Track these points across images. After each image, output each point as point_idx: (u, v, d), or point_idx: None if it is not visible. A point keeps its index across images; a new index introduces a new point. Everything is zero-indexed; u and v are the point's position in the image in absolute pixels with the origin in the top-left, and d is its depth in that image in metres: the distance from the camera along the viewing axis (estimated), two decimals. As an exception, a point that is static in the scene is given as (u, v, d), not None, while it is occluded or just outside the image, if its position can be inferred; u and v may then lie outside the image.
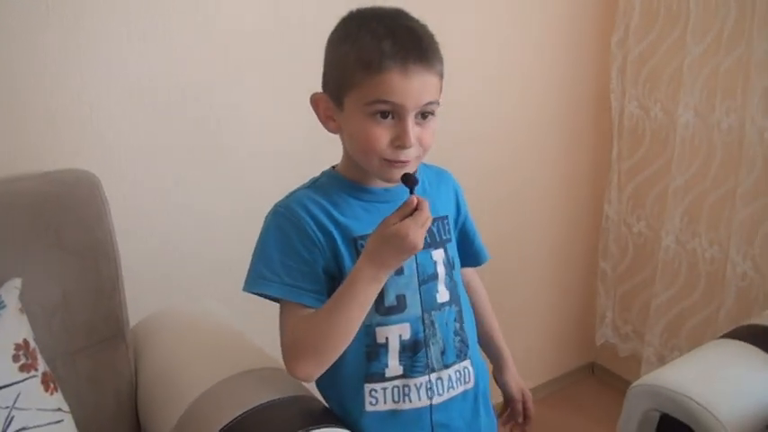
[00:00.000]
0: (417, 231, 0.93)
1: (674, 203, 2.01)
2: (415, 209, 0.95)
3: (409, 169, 1.00)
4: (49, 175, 1.21)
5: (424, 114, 0.98)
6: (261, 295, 1.02)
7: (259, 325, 1.15)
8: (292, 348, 1.00)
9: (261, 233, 1.03)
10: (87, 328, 1.19)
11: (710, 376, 1.20)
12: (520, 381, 1.29)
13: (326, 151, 1.11)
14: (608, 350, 2.40)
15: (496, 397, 1.27)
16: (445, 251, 1.11)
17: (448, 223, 1.13)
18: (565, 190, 2.25)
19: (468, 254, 1.22)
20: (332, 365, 1.01)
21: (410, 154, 0.98)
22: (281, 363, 1.15)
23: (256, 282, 1.01)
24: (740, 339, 1.31)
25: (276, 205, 1.04)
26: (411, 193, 0.97)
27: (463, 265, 1.20)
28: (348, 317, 0.97)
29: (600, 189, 2.28)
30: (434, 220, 1.07)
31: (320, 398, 1.13)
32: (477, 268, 1.27)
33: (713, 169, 1.90)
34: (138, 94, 1.40)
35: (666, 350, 2.12)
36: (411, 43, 0.95)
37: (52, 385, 1.04)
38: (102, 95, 1.36)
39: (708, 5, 1.83)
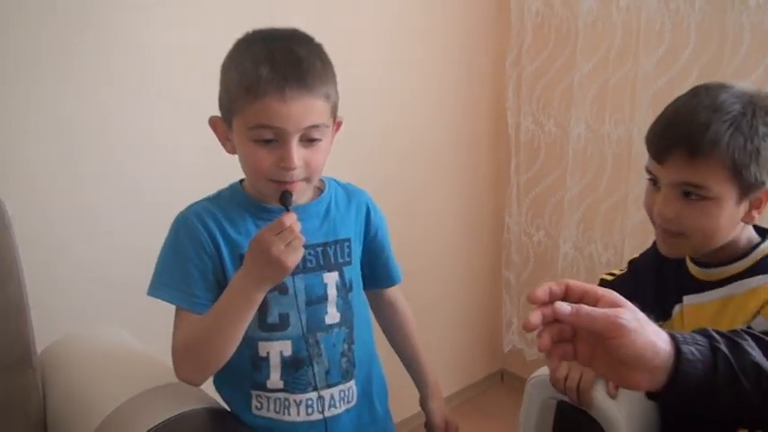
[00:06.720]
0: (274, 239, 0.93)
1: (570, 212, 2.11)
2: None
3: (296, 189, 1.01)
4: (-54, 193, 1.14)
5: (310, 137, 0.99)
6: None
7: (167, 341, 1.12)
8: (177, 353, 1.03)
9: (164, 241, 1.07)
10: (-8, 353, 1.13)
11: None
12: (444, 409, 1.28)
13: (229, 170, 1.11)
14: (516, 356, 2.46)
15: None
16: (340, 274, 1.11)
17: (348, 246, 1.13)
18: (467, 204, 2.32)
19: (376, 273, 1.21)
20: (225, 367, 1.03)
21: (296, 175, 1.00)
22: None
23: (155, 286, 1.05)
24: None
25: (178, 214, 1.07)
26: (287, 210, 0.98)
27: (375, 285, 1.21)
28: (222, 327, 0.99)
29: (501, 202, 2.36)
30: (332, 243, 1.10)
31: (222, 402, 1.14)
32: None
33: (605, 178, 2.01)
34: (46, 116, 1.36)
35: (570, 351, 2.19)
36: (289, 67, 0.95)
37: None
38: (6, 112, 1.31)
39: (595, 27, 1.94)
